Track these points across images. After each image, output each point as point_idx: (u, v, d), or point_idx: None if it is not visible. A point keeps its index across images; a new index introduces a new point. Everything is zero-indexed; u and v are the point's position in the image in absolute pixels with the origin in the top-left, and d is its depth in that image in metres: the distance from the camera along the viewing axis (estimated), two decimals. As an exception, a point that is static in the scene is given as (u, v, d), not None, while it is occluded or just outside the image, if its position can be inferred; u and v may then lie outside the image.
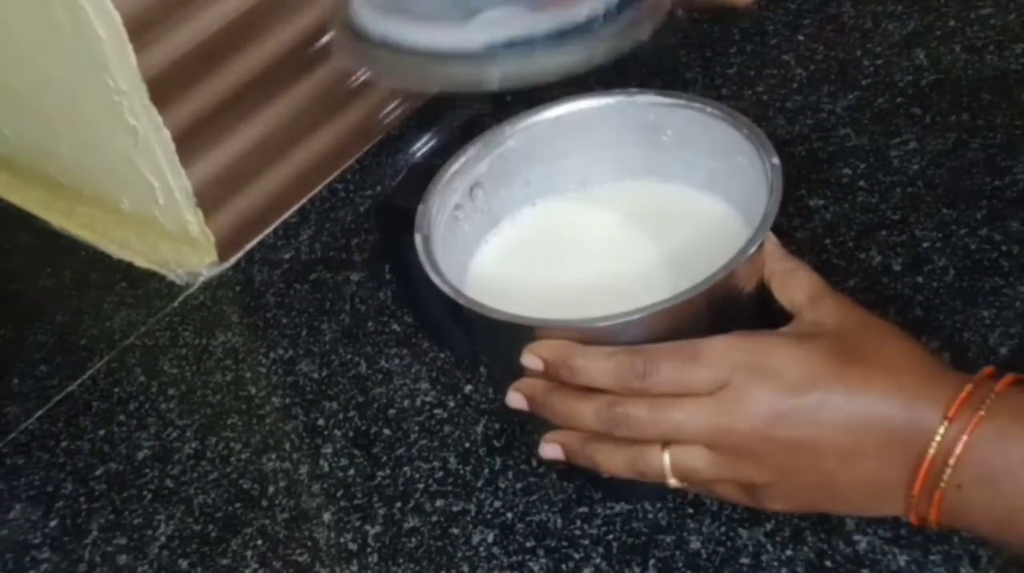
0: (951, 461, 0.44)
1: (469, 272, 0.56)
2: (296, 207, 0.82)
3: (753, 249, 0.49)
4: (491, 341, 0.54)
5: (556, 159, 0.59)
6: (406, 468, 0.62)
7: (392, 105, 0.86)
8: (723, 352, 0.47)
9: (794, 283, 0.50)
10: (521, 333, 0.49)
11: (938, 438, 0.45)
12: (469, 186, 0.57)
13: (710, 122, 0.55)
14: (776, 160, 0.52)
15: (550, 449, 0.52)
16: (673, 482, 0.49)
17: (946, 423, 0.44)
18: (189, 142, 0.74)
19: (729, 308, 0.50)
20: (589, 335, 0.48)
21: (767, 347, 0.47)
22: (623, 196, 0.59)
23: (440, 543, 0.58)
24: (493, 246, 0.58)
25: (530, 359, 0.50)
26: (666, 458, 0.48)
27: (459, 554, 0.57)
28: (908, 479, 0.46)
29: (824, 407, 0.46)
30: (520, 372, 0.51)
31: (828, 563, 0.53)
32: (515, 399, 0.52)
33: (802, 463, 0.47)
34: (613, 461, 0.50)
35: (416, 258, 0.53)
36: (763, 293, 0.51)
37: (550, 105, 0.58)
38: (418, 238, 0.52)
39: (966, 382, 0.45)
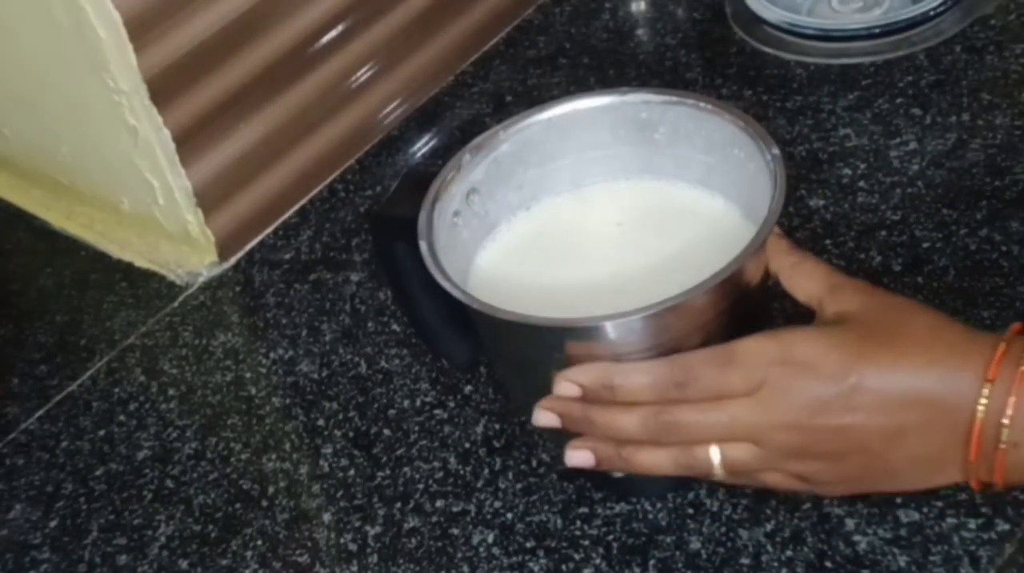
0: (1004, 421, 0.45)
1: (470, 277, 0.56)
2: (296, 207, 0.82)
3: (763, 240, 0.49)
4: (506, 345, 0.54)
5: (549, 161, 0.58)
6: (406, 468, 0.62)
7: (392, 105, 0.86)
8: (756, 353, 0.47)
9: (805, 275, 0.51)
10: (542, 335, 0.49)
11: (983, 401, 0.45)
12: (466, 192, 0.57)
13: (703, 117, 0.55)
14: (776, 150, 0.52)
15: (580, 456, 0.51)
16: (720, 475, 0.50)
17: (988, 385, 0.45)
18: (189, 142, 0.74)
19: (740, 300, 0.50)
20: (609, 331, 0.48)
21: (797, 343, 0.47)
22: (618, 196, 0.59)
23: (440, 543, 0.58)
24: (491, 251, 0.58)
25: (566, 387, 0.50)
26: (715, 455, 0.49)
27: (459, 554, 0.57)
28: (961, 447, 0.46)
29: (860, 392, 0.46)
30: (533, 374, 0.51)
31: (828, 563, 0.53)
32: (545, 418, 0.51)
33: (849, 448, 0.47)
34: (656, 461, 0.50)
35: (412, 268, 0.53)
36: (768, 286, 0.52)
37: (543, 107, 0.58)
38: (423, 246, 0.52)
39: (998, 341, 0.46)
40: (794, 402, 0.47)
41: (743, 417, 0.47)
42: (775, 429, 0.47)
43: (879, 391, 0.46)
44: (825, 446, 0.47)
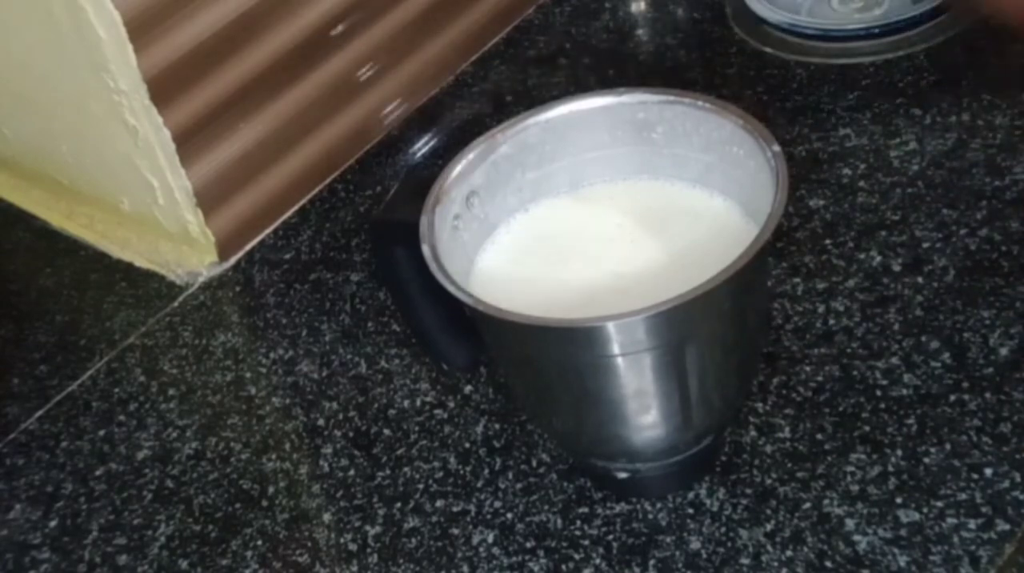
0: None
1: (471, 280, 0.56)
2: (296, 207, 0.82)
3: (765, 239, 0.49)
4: (511, 347, 0.54)
5: (548, 163, 0.58)
6: (406, 468, 0.62)
7: (392, 105, 0.86)
8: None
9: None
10: (547, 336, 0.49)
11: None
12: (466, 195, 0.57)
13: (701, 116, 0.55)
14: (777, 147, 0.52)
15: None
16: None
17: None
18: (189, 142, 0.74)
19: (743, 300, 0.50)
20: (612, 332, 0.48)
21: None
22: (617, 196, 0.59)
23: (440, 543, 0.58)
24: (492, 253, 0.58)
25: None
26: None
27: (459, 554, 0.57)
28: None
29: None
30: (535, 375, 0.51)
31: (828, 563, 0.53)
32: None
33: None
34: None
35: (411, 272, 0.53)
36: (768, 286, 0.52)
37: (539, 110, 0.58)
38: (426, 250, 0.52)
39: None
40: None
41: None
42: None
43: None
44: None
